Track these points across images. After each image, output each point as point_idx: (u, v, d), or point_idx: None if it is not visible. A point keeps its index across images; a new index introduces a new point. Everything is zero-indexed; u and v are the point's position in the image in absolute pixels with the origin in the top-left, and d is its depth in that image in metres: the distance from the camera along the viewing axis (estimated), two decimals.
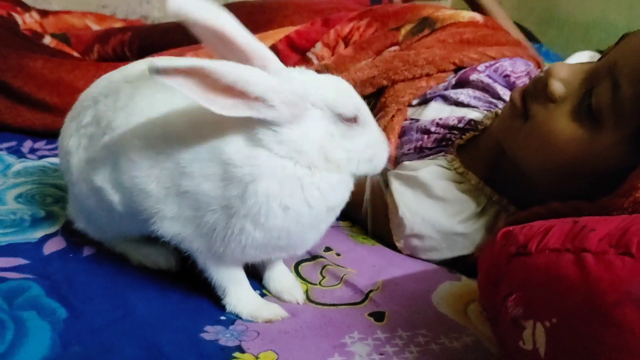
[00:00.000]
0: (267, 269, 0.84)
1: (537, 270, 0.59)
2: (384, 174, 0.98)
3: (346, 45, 1.38)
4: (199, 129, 0.67)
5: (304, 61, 1.40)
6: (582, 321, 0.53)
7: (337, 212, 0.74)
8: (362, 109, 0.69)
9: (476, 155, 1.00)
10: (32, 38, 1.66)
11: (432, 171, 0.99)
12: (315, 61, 1.39)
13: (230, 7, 1.70)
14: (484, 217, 0.95)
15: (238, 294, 0.77)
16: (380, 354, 0.71)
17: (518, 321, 0.59)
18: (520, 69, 1.15)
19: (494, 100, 1.09)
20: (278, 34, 1.43)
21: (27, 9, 1.90)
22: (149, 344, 0.70)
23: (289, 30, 1.44)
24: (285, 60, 1.36)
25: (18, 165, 1.22)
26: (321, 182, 0.67)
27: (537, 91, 0.84)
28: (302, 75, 0.67)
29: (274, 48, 1.39)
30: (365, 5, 1.69)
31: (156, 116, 0.70)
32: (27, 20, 1.85)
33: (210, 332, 0.74)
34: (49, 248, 0.90)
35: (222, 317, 0.77)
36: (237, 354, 0.70)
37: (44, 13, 1.97)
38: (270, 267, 0.83)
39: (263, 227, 0.67)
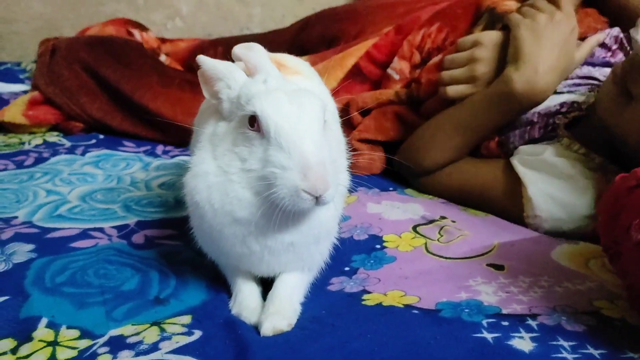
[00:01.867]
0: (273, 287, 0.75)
1: None
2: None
3: (421, 54, 1.35)
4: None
5: (385, 78, 1.39)
6: None
7: (262, 232, 0.66)
8: (267, 118, 0.62)
9: (590, 135, 1.00)
10: (155, 57, 1.85)
11: (556, 152, 1.01)
12: (395, 76, 1.37)
13: (321, 15, 1.76)
14: None
15: (235, 293, 0.76)
16: (506, 292, 0.74)
17: None
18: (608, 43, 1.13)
19: (589, 81, 1.10)
20: (360, 50, 1.44)
21: (144, 29, 2.14)
22: None
23: (369, 44, 1.45)
24: (371, 77, 1.40)
25: (156, 162, 1.39)
26: (221, 185, 0.65)
27: (635, 71, 0.86)
28: (278, 82, 0.68)
29: (357, 67, 1.41)
30: None
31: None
32: (145, 37, 2.08)
33: (335, 284, 0.81)
34: None
35: (346, 268, 0.85)
36: (365, 296, 0.76)
37: (161, 40, 2.20)
38: (274, 286, 0.74)
39: (195, 223, 0.73)
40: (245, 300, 0.73)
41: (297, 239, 0.68)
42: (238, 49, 0.73)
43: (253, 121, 0.63)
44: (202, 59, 0.69)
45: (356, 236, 0.94)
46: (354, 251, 0.90)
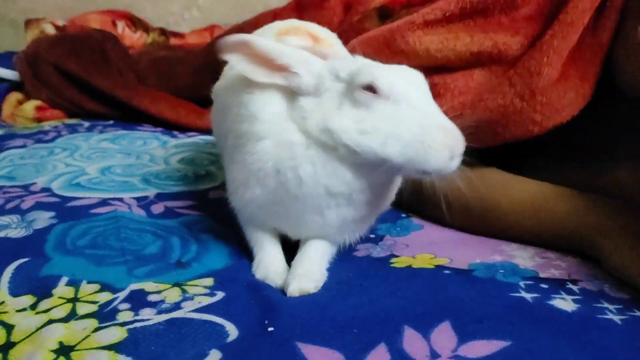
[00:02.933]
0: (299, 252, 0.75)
1: None
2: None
3: None
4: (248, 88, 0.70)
5: None
6: None
7: (350, 204, 0.65)
8: (390, 83, 0.60)
9: None
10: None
11: None
12: None
13: None
14: None
15: (259, 258, 0.73)
16: (543, 258, 0.71)
17: None
18: None
19: None
20: None
21: (139, 25, 2.11)
22: None
23: None
24: None
25: (173, 141, 1.37)
26: (317, 158, 0.63)
27: None
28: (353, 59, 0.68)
29: None
30: None
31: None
32: (125, 32, 2.05)
33: (361, 250, 0.79)
34: (213, 195, 1.00)
35: (372, 235, 0.82)
36: (393, 260, 0.73)
37: (173, 34, 2.20)
38: (301, 251, 0.73)
39: (261, 184, 0.67)
40: (272, 264, 0.72)
41: (370, 213, 0.69)
42: (296, 41, 0.70)
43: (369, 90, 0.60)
44: (262, 40, 0.66)
45: None
46: (379, 220, 0.87)
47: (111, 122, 1.53)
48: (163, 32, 2.21)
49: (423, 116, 0.58)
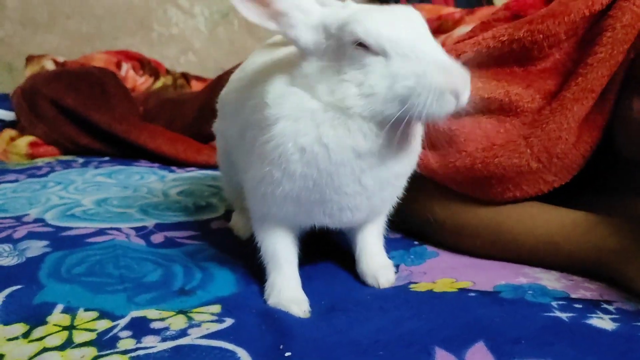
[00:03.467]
0: (358, 249, 0.75)
1: None
2: None
3: None
4: (257, 78, 0.68)
5: None
6: None
7: (381, 162, 0.62)
8: (378, 33, 0.57)
9: None
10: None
11: None
12: None
13: None
14: None
15: (273, 278, 0.69)
16: (570, 280, 0.67)
17: None
18: None
19: None
20: None
21: (147, 68, 2.12)
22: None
23: None
24: None
25: (171, 175, 1.34)
26: (336, 120, 0.59)
27: None
28: (358, 8, 0.62)
29: None
30: None
31: (242, 76, 0.76)
32: (129, 74, 2.05)
33: None
34: (215, 225, 0.96)
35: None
36: (412, 285, 0.69)
37: (196, 78, 2.22)
38: (361, 247, 0.75)
39: (287, 174, 0.61)
40: (287, 289, 0.67)
41: (402, 169, 0.66)
42: None
43: (359, 46, 0.57)
44: None
45: (391, 235, 0.88)
46: (390, 248, 0.83)
47: (107, 158, 1.49)
48: (184, 75, 2.22)
49: (417, 64, 0.55)
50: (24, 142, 1.49)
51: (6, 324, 0.59)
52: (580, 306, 0.60)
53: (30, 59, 1.92)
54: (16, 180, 1.23)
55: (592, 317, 0.57)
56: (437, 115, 0.55)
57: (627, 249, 0.65)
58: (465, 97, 0.55)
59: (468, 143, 0.77)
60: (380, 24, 0.57)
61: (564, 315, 0.57)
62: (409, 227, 0.88)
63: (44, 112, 1.48)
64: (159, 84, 2.06)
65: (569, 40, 0.77)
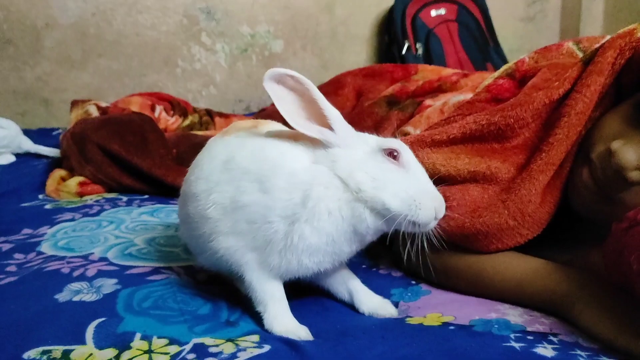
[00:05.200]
0: (354, 293, 0.93)
1: None
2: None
3: None
4: (261, 154, 0.81)
5: None
6: None
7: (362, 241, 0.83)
8: (406, 155, 0.81)
9: None
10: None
11: None
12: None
13: None
14: None
15: (275, 312, 0.85)
16: (530, 316, 0.87)
17: None
18: None
19: None
20: None
21: (179, 112, 2.34)
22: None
23: None
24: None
25: None
26: (353, 204, 0.78)
27: (609, 178, 0.87)
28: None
29: None
30: None
31: (216, 156, 0.87)
32: (162, 116, 2.26)
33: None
34: None
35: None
36: (408, 319, 0.89)
37: (219, 115, 2.43)
38: (357, 291, 0.93)
39: (317, 230, 0.78)
40: (287, 319, 0.85)
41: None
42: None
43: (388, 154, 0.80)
44: (306, 80, 0.76)
45: (394, 273, 1.08)
46: (392, 285, 1.03)
47: (146, 196, 1.70)
48: (208, 112, 2.43)
49: (420, 184, 0.79)
50: (74, 182, 1.70)
51: (100, 348, 0.79)
52: (532, 338, 0.79)
53: (75, 103, 2.14)
54: (73, 219, 1.44)
55: (538, 346, 0.76)
56: (417, 221, 0.78)
57: (573, 294, 0.84)
58: (439, 218, 0.81)
59: (460, 207, 0.97)
60: (408, 150, 0.83)
61: (517, 345, 0.76)
62: (408, 268, 1.07)
63: (92, 155, 1.69)
64: (187, 122, 2.27)
65: (535, 122, 0.98)
